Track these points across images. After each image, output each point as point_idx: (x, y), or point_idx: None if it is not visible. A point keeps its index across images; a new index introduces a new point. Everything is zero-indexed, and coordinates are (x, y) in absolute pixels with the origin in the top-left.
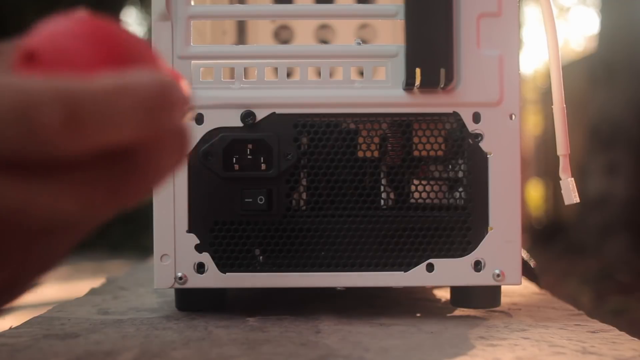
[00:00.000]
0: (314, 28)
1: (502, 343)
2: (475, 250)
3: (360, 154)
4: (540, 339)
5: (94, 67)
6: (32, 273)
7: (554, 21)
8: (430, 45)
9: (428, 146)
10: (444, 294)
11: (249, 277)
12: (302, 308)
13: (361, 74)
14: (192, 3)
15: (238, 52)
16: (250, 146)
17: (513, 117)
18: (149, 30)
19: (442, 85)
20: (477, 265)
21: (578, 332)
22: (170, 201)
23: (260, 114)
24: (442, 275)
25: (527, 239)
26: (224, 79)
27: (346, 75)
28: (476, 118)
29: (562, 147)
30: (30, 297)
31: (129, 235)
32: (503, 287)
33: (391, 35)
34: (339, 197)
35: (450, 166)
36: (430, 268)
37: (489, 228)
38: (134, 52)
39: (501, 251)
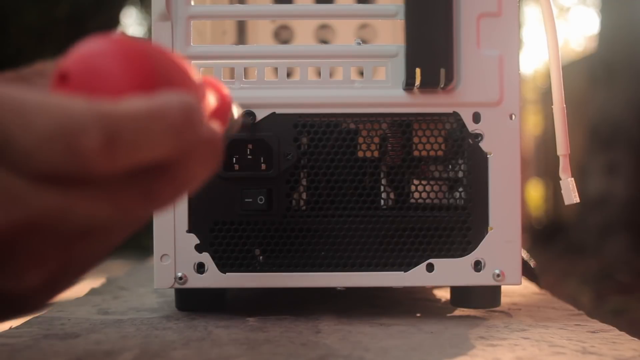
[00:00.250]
0: (314, 28)
1: (502, 343)
2: (475, 250)
3: (360, 154)
4: (540, 339)
5: (125, 89)
6: (70, 273)
7: (554, 21)
8: (430, 45)
9: (428, 146)
10: (444, 294)
11: (249, 277)
12: (302, 308)
13: (361, 74)
14: (192, 3)
15: (238, 52)
16: (250, 146)
17: (513, 117)
18: (149, 30)
19: (442, 85)
20: (477, 265)
21: (578, 332)
22: None
23: (260, 114)
24: (442, 275)
25: (527, 239)
26: (224, 79)
27: (346, 75)
28: (476, 118)
29: (562, 147)
30: None
31: (132, 232)
32: (503, 287)
33: (391, 35)
34: (339, 197)
35: (450, 166)
36: (430, 268)
37: (489, 228)
38: (165, 72)
39: (501, 251)
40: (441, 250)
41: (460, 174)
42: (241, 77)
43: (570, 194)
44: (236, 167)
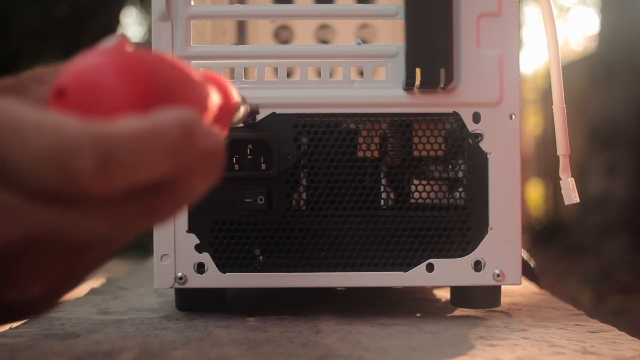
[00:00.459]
0: (314, 28)
1: (502, 343)
2: (475, 250)
3: (360, 154)
4: (540, 339)
5: (123, 106)
6: (70, 282)
7: (554, 21)
8: (430, 45)
9: (428, 146)
10: (444, 294)
11: (249, 277)
12: (302, 308)
13: (361, 74)
14: (192, 3)
15: (238, 52)
16: (250, 146)
17: (513, 117)
18: (149, 30)
19: (442, 85)
20: (477, 265)
21: (578, 332)
22: None
23: (260, 114)
24: (442, 275)
25: (527, 239)
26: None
27: (346, 75)
28: (476, 118)
29: (562, 147)
30: None
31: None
32: (503, 287)
33: (391, 35)
34: (339, 197)
35: (450, 166)
36: (430, 268)
37: (489, 228)
38: (165, 84)
39: (501, 251)
40: (441, 250)
41: (460, 174)
42: (241, 77)
43: (570, 194)
44: (236, 167)
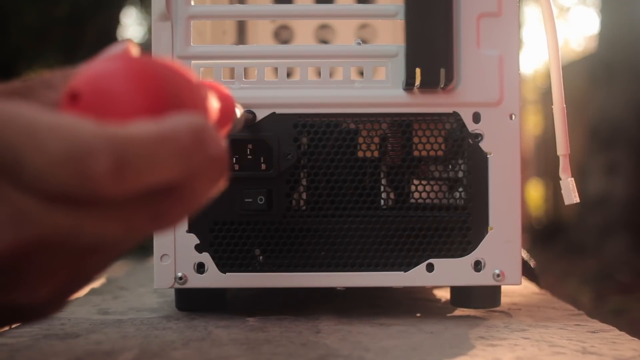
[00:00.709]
0: (314, 28)
1: (502, 343)
2: (475, 250)
3: (360, 154)
4: (540, 339)
5: (136, 111)
6: (77, 284)
7: (554, 21)
8: (430, 45)
9: (428, 146)
10: (444, 294)
11: (249, 277)
12: (302, 308)
13: (361, 74)
14: (192, 3)
15: (238, 52)
16: (250, 146)
17: (513, 117)
18: (149, 30)
19: (442, 85)
20: (477, 265)
21: (578, 332)
22: None
23: (260, 114)
24: (442, 275)
25: (527, 239)
26: (224, 79)
27: (346, 75)
28: (476, 118)
29: (562, 147)
30: None
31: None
32: (503, 287)
33: (391, 35)
34: (339, 197)
35: (450, 166)
36: (430, 268)
37: (489, 228)
38: (175, 90)
39: (501, 251)
40: (441, 250)
41: (460, 174)
42: (241, 77)
43: (570, 194)
44: (236, 167)
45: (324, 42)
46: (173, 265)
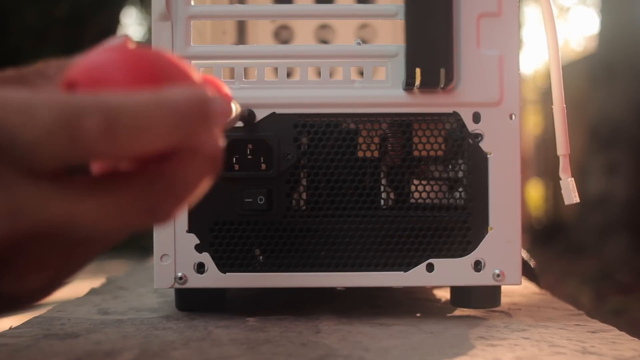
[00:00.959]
0: (314, 28)
1: (502, 343)
2: (475, 250)
3: (360, 154)
4: (540, 339)
5: None
6: (66, 273)
7: (554, 21)
8: (430, 45)
9: (428, 146)
10: (444, 294)
11: (249, 277)
12: (302, 308)
13: (361, 74)
14: (192, 3)
15: (238, 52)
16: (250, 146)
17: (513, 117)
18: (149, 30)
19: (442, 85)
20: (477, 265)
21: (578, 332)
22: None
23: (260, 114)
24: (442, 275)
25: (527, 239)
26: (224, 79)
27: (346, 75)
28: (476, 118)
29: (562, 147)
30: None
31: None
32: (503, 287)
33: (391, 35)
34: (339, 197)
35: (450, 166)
36: (430, 268)
37: (489, 228)
38: (171, 79)
39: (501, 251)
40: (441, 250)
41: (460, 174)
42: (241, 77)
43: (570, 194)
44: (236, 167)
45: (324, 42)
46: (173, 265)
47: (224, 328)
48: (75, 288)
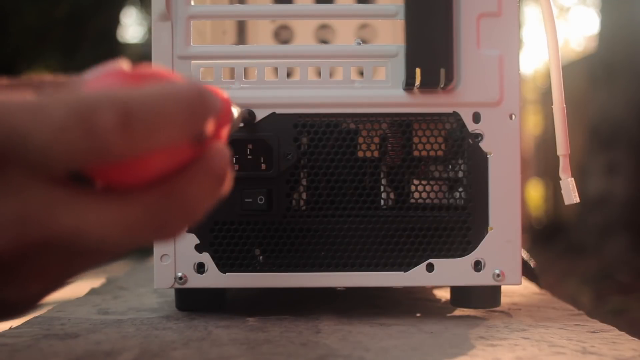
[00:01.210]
0: (314, 28)
1: (502, 343)
2: (475, 250)
3: (360, 154)
4: (540, 339)
5: None
6: (63, 282)
7: (554, 21)
8: (430, 45)
9: (428, 146)
10: (444, 294)
11: (249, 277)
12: (302, 308)
13: (361, 74)
14: (192, 3)
15: (238, 52)
16: (250, 146)
17: (513, 117)
18: (149, 30)
19: (442, 85)
20: (477, 265)
21: (578, 332)
22: None
23: (260, 114)
24: (442, 275)
25: (527, 239)
26: (224, 79)
27: (346, 75)
28: (476, 118)
29: (562, 147)
30: None
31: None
32: (503, 287)
33: (391, 35)
34: (339, 197)
35: (450, 166)
36: (430, 268)
37: (489, 228)
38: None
39: (501, 251)
40: (441, 250)
41: (460, 174)
42: (241, 77)
43: (570, 194)
44: (236, 167)
45: (324, 42)
46: (173, 265)
47: (224, 328)
48: (75, 288)
